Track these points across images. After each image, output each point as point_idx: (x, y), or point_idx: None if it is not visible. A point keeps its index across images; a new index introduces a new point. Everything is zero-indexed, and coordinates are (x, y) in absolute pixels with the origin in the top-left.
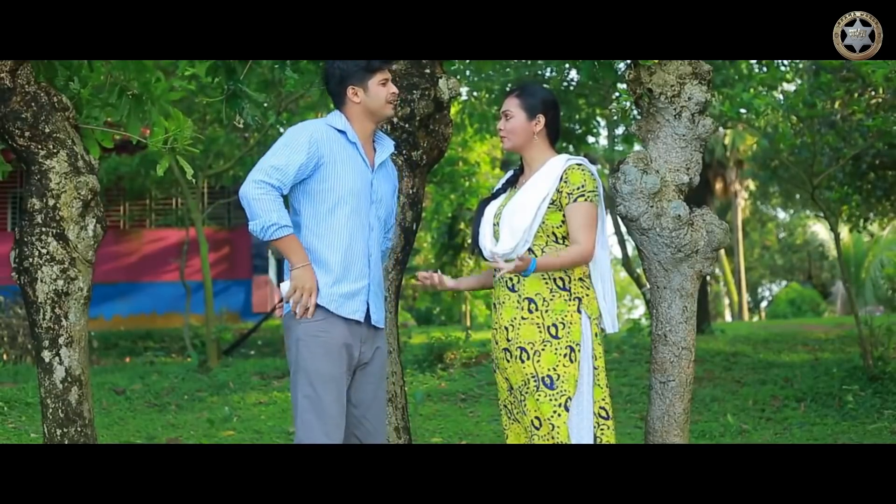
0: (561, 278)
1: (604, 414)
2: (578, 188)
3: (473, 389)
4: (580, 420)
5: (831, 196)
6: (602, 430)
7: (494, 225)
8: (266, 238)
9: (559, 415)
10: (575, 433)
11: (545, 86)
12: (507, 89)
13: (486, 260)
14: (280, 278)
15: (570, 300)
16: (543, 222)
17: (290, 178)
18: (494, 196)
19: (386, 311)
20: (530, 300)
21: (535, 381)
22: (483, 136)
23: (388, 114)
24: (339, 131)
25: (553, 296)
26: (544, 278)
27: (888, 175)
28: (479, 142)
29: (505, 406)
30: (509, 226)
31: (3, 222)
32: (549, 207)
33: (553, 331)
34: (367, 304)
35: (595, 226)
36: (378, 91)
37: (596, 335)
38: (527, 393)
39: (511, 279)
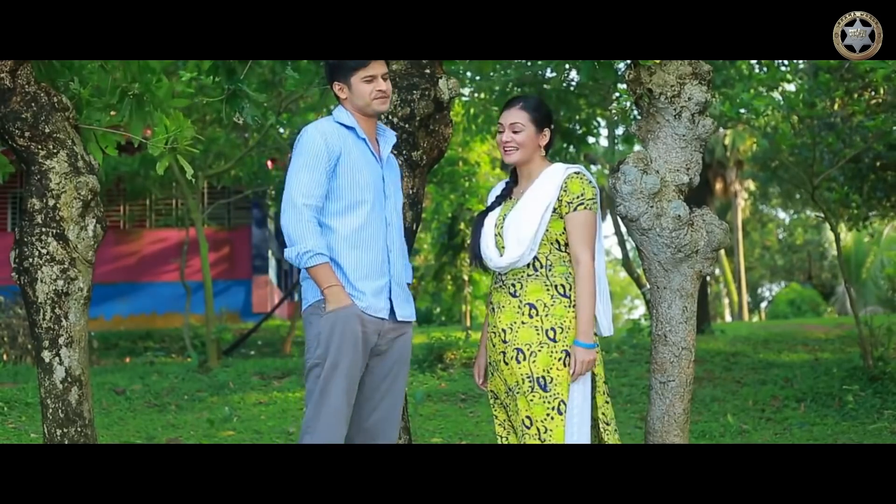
0: (562, 285)
1: (605, 420)
2: (578, 197)
3: (473, 389)
4: (581, 425)
5: (831, 196)
6: (607, 434)
7: (496, 235)
8: (302, 266)
9: (552, 418)
10: (572, 436)
11: (545, 87)
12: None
13: (485, 269)
14: (281, 279)
15: (569, 306)
16: (547, 230)
17: (323, 188)
18: (491, 208)
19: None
20: (531, 305)
21: (529, 381)
22: (484, 136)
23: (378, 109)
24: (348, 127)
25: (554, 302)
26: (545, 285)
27: (888, 176)
28: (479, 142)
29: (492, 391)
30: (515, 235)
31: (3, 222)
32: (551, 216)
33: (551, 334)
34: (391, 300)
35: (594, 236)
36: (361, 88)
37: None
38: (519, 393)
39: (513, 284)
